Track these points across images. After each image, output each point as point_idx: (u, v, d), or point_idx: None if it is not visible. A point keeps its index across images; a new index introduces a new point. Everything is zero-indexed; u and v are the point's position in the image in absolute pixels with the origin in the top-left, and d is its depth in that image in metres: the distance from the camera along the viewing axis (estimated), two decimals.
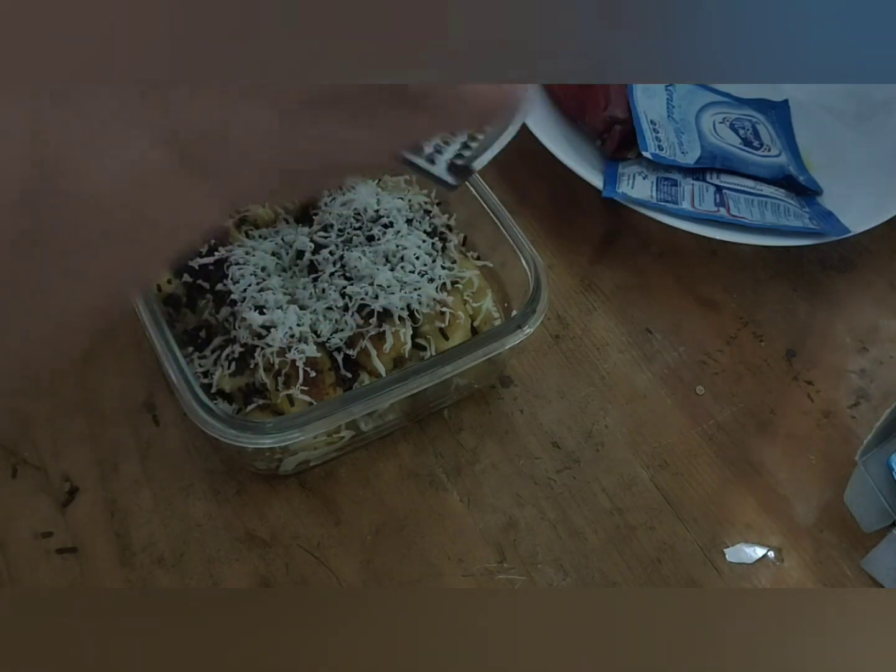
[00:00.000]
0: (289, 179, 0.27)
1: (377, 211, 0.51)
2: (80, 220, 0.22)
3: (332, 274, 0.49)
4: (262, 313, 0.46)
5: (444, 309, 0.48)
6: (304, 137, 0.25)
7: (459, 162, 0.33)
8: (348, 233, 0.50)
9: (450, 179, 0.34)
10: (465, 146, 0.34)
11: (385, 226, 0.50)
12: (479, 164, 0.34)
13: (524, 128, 0.61)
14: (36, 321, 0.24)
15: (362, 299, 0.47)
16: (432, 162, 0.34)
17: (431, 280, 0.49)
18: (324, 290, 0.48)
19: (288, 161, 0.25)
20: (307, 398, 0.45)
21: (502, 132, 0.34)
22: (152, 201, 0.23)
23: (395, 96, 0.25)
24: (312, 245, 0.50)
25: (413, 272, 0.49)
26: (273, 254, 0.50)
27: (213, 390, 0.46)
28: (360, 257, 0.49)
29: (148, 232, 0.24)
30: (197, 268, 0.49)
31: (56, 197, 0.22)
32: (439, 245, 0.51)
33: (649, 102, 0.65)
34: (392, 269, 0.49)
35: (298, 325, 0.46)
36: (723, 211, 0.60)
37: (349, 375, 0.47)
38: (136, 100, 0.22)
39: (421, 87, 0.25)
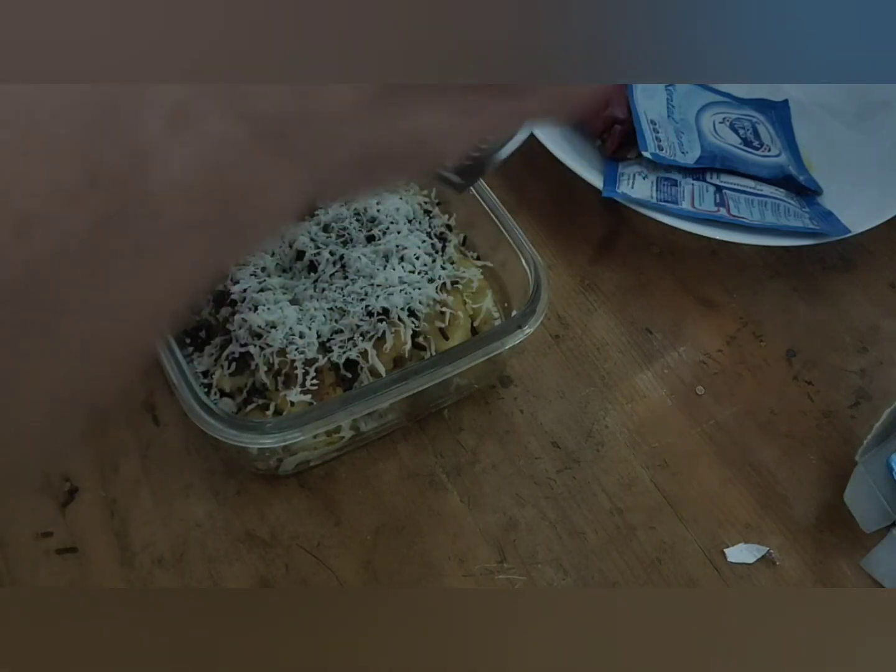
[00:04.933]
0: (371, 166, 0.25)
1: (378, 211, 0.51)
2: (163, 207, 0.21)
3: (332, 274, 0.49)
4: (262, 313, 0.46)
5: (444, 309, 0.48)
6: (391, 121, 0.23)
7: (468, 162, 0.33)
8: (348, 233, 0.50)
9: (457, 180, 0.34)
10: (475, 147, 0.33)
11: (385, 226, 0.50)
12: (488, 166, 0.33)
13: None
14: (105, 319, 0.22)
15: (362, 299, 0.47)
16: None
17: (431, 280, 0.49)
18: (324, 290, 0.48)
19: (373, 145, 0.24)
20: (307, 398, 0.45)
21: (513, 135, 0.33)
22: (234, 184, 0.22)
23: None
24: (312, 245, 0.50)
25: (413, 272, 0.49)
26: (273, 254, 0.50)
27: (213, 390, 0.46)
28: (360, 257, 0.49)
29: (228, 218, 0.23)
30: None
31: (141, 181, 0.20)
32: (439, 245, 0.51)
33: (649, 102, 0.65)
34: (392, 269, 0.49)
35: (298, 325, 0.46)
36: (723, 211, 0.60)
37: (349, 375, 0.47)
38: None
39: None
